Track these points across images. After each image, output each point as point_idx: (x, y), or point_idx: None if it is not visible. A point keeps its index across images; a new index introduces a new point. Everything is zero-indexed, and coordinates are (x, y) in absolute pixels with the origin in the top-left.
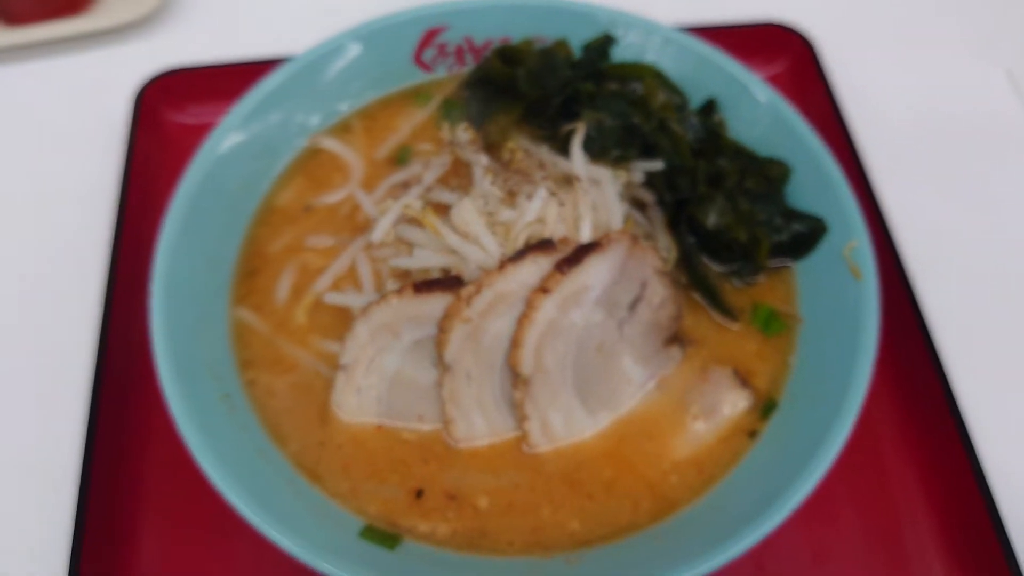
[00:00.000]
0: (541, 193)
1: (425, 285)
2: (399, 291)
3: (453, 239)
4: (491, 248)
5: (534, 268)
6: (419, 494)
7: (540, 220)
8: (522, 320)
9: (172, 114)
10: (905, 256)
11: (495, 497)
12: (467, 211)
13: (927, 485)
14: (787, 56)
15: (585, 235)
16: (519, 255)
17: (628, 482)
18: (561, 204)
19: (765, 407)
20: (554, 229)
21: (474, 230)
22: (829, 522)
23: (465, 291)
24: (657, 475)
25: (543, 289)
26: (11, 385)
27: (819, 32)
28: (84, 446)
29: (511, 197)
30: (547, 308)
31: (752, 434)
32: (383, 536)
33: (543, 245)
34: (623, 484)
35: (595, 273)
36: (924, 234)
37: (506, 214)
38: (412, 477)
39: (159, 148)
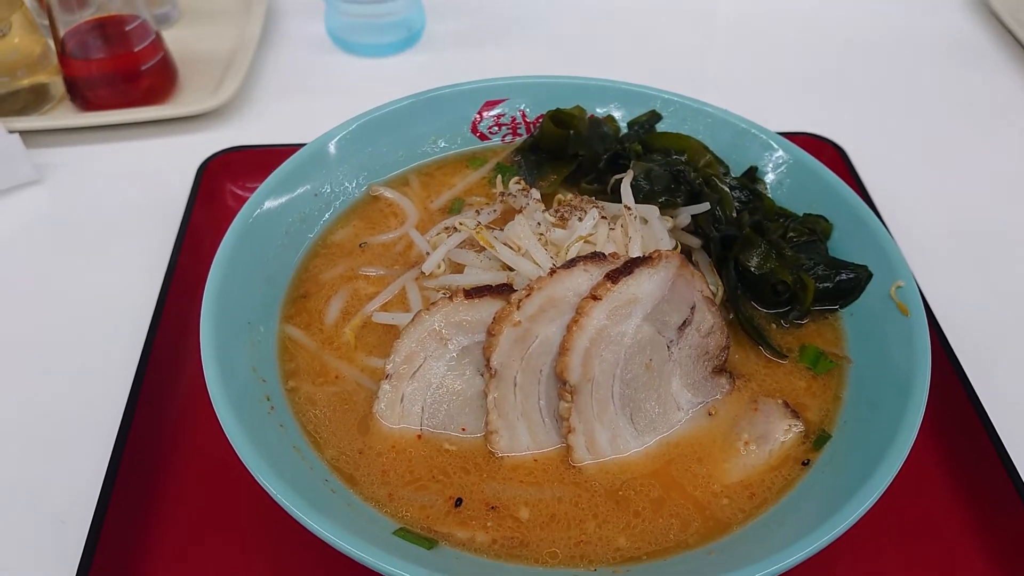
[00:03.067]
0: (593, 214)
1: (476, 291)
2: (450, 297)
3: (506, 253)
4: (543, 262)
5: (585, 276)
6: (458, 503)
7: (590, 239)
8: (571, 326)
9: (230, 185)
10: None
11: (537, 509)
12: (520, 227)
13: (972, 517)
14: (822, 160)
15: (635, 254)
16: (570, 263)
17: (677, 501)
18: (611, 228)
19: (818, 438)
20: (604, 248)
21: (526, 245)
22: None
23: (515, 295)
24: (707, 497)
25: (593, 296)
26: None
27: (846, 144)
28: (112, 452)
29: (562, 222)
30: (596, 315)
31: (805, 463)
32: (418, 538)
33: (594, 256)
34: (672, 503)
35: (645, 286)
36: (953, 307)
37: (557, 234)
38: (451, 486)
39: (215, 214)
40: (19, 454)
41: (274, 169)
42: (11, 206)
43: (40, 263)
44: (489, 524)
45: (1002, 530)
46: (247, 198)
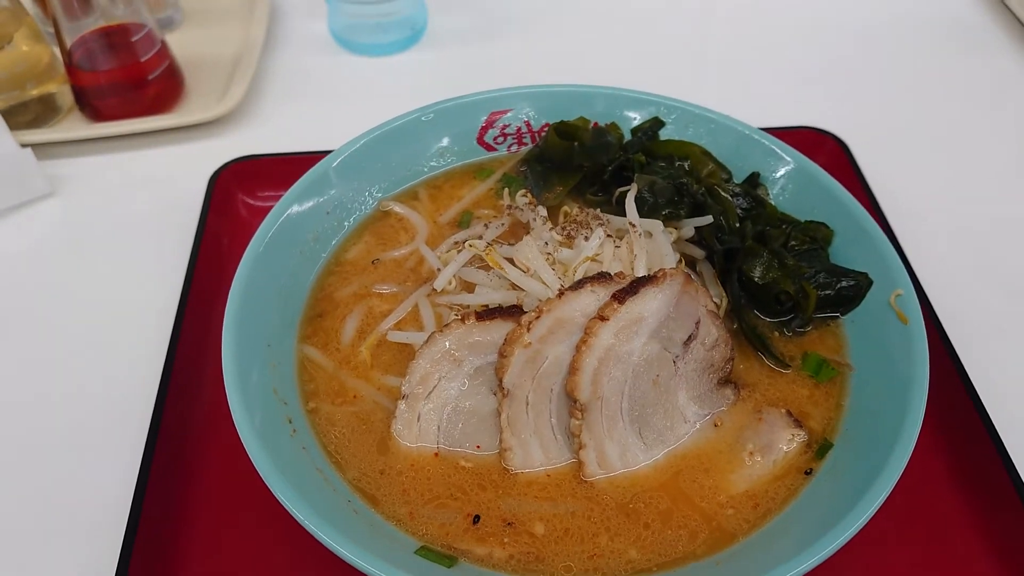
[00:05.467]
0: (599, 233)
1: (487, 313)
2: (462, 319)
3: (515, 274)
4: (551, 282)
5: (592, 297)
6: (476, 519)
7: (597, 258)
8: (580, 346)
9: (242, 195)
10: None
11: (551, 524)
12: (528, 248)
13: (975, 519)
14: (823, 154)
15: (640, 272)
16: (577, 284)
17: (685, 513)
18: (617, 246)
19: (821, 447)
20: (610, 267)
21: (535, 265)
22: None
23: (525, 317)
24: (713, 508)
25: (601, 316)
26: (77, 412)
27: (848, 135)
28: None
29: (569, 240)
30: (604, 335)
31: (808, 472)
32: (439, 556)
33: (600, 277)
34: (680, 515)
35: (650, 304)
36: (955, 303)
37: (564, 253)
38: (469, 503)
39: (229, 225)
40: (46, 468)
41: (285, 177)
42: (27, 220)
43: (58, 276)
44: (506, 540)
45: (1004, 532)
46: (260, 207)
